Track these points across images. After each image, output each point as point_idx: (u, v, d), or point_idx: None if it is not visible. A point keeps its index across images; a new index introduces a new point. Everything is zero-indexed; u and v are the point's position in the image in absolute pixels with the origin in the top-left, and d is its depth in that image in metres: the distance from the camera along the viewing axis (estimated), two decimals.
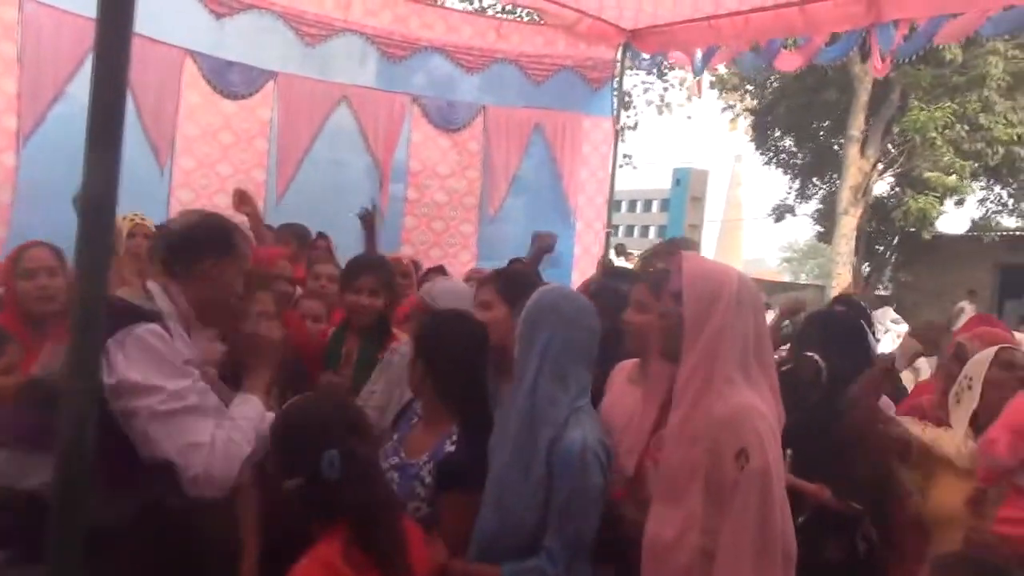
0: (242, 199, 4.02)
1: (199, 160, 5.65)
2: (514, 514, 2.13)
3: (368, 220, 4.56)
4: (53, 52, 4.99)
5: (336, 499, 1.77)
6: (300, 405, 1.99)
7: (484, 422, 2.34)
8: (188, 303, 2.11)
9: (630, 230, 42.48)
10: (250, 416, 2.05)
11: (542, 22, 7.21)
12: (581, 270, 6.92)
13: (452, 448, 2.33)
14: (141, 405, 1.84)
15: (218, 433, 1.92)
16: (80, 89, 5.08)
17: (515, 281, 2.78)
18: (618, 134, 7.34)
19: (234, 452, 1.93)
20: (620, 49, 7.03)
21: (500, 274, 2.96)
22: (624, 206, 41.94)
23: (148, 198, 5.28)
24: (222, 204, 5.32)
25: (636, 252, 8.88)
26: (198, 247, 2.14)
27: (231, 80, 5.80)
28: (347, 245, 5.30)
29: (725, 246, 45.53)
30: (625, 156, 10.93)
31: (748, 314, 2.00)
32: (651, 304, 2.42)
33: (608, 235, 7.31)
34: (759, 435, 1.88)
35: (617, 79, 7.17)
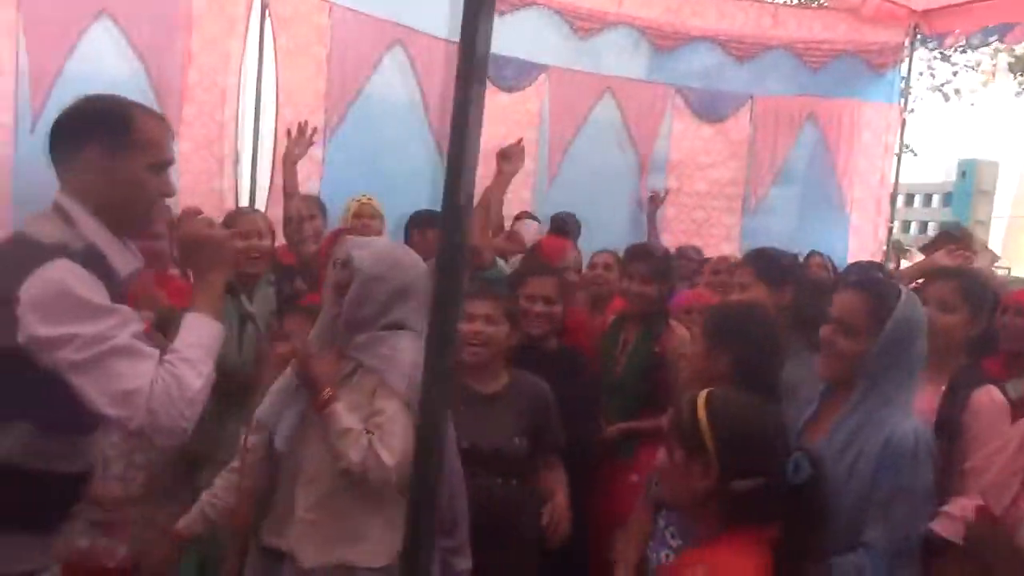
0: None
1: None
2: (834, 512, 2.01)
3: (653, 205, 4.67)
4: (355, 53, 5.55)
5: (784, 503, 1.62)
6: (743, 403, 1.77)
7: None
8: (90, 206, 1.74)
9: (906, 226, 39.23)
10: (200, 342, 1.72)
11: (820, 3, 6.88)
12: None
13: None
14: (59, 358, 1.56)
15: (160, 372, 1.62)
16: (376, 88, 5.64)
17: (773, 262, 2.77)
18: (904, 122, 6.87)
19: (184, 392, 1.62)
20: (909, 31, 6.57)
21: (758, 256, 2.92)
22: (900, 199, 38.83)
23: (429, 184, 5.75)
24: None
25: (914, 250, 8.21)
26: (77, 132, 1.75)
27: (505, 74, 6.12)
28: (608, 235, 5.46)
29: (1012, 245, 40.53)
30: (905, 145, 10.08)
31: None
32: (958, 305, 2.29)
33: (890, 230, 6.88)
34: None
35: (903, 63, 6.70)
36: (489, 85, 5.91)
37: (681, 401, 1.78)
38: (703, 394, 1.73)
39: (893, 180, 6.88)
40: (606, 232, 5.53)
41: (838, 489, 1.96)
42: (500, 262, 3.68)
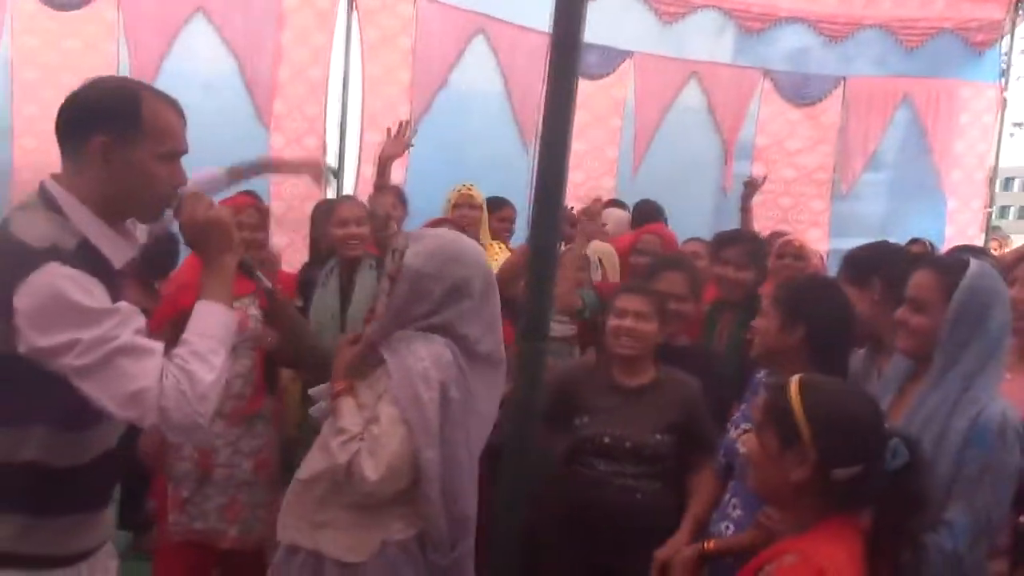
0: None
1: None
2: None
3: (750, 190, 4.60)
4: (439, 44, 5.60)
5: (882, 489, 1.58)
6: (839, 388, 1.74)
7: None
8: (89, 194, 1.65)
9: (1003, 211, 37.40)
10: (210, 332, 1.64)
11: None
12: None
13: None
14: (62, 365, 1.50)
15: (169, 368, 1.56)
16: (460, 78, 5.68)
17: (851, 264, 2.70)
18: (1005, 102, 6.55)
19: (196, 388, 1.56)
20: (1011, 7, 6.26)
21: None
22: (999, 184, 37.14)
23: (513, 172, 5.77)
24: (577, 180, 5.67)
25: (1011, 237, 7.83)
26: (84, 121, 1.64)
27: (589, 61, 5.99)
28: (692, 223, 5.38)
29: None
30: (1016, 124, 9.52)
31: None
32: None
33: (989, 215, 6.59)
34: None
35: (1004, 40, 6.40)
36: None
37: (772, 388, 1.73)
38: (795, 380, 1.66)
39: (992, 163, 6.59)
40: (690, 220, 5.45)
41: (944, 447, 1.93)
42: (588, 293, 3.56)
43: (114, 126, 1.62)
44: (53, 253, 1.53)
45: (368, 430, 2.00)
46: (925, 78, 6.47)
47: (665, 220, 4.97)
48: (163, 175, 1.69)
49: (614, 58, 6.19)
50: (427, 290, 2.05)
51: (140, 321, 1.58)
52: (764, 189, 6.49)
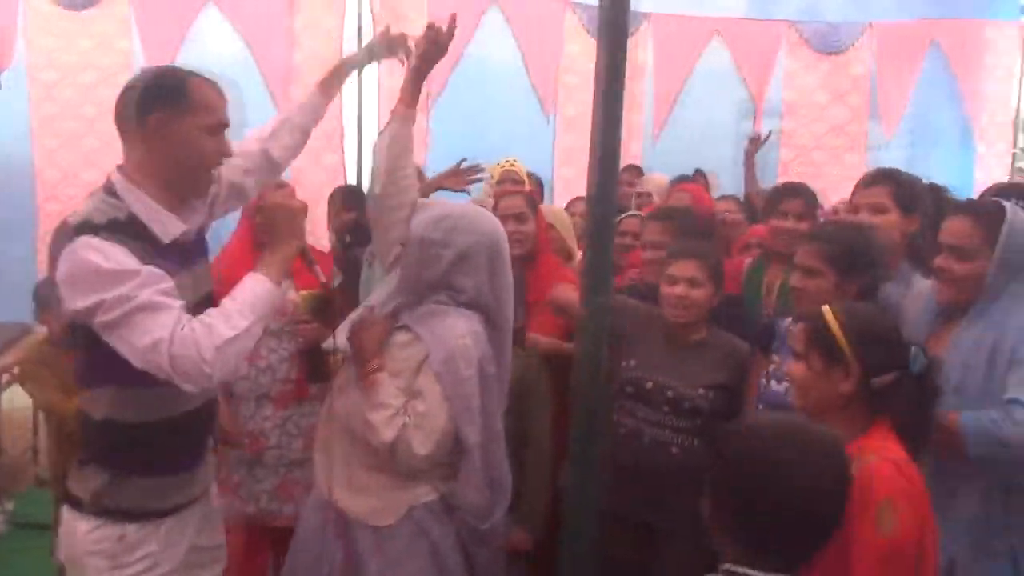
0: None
1: (580, 108, 5.87)
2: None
3: (753, 146, 4.50)
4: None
5: (910, 394, 1.78)
6: (865, 307, 1.96)
7: None
8: (150, 175, 1.82)
9: None
10: (245, 298, 1.77)
11: None
12: None
13: None
14: (96, 323, 1.69)
15: (185, 320, 1.70)
16: (476, 52, 5.60)
17: (908, 188, 2.61)
18: None
19: (212, 339, 1.68)
20: None
21: (893, 178, 2.72)
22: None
23: (536, 144, 5.71)
24: None
25: None
26: (140, 103, 1.81)
27: None
28: (724, 183, 5.28)
29: None
30: None
31: None
32: None
33: (1013, 157, 6.41)
34: None
35: None
36: (588, 37, 5.85)
37: (810, 316, 1.89)
38: (827, 309, 1.85)
39: (1015, 105, 6.40)
40: (724, 183, 5.34)
41: (978, 388, 2.08)
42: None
43: (166, 102, 1.80)
44: (85, 227, 1.73)
45: (412, 406, 2.03)
46: (950, 19, 6.27)
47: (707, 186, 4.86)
48: (211, 147, 1.86)
49: (632, 21, 6.04)
50: (434, 256, 2.08)
51: (165, 283, 1.73)
52: (796, 144, 6.40)
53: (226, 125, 1.89)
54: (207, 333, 1.68)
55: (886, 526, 1.53)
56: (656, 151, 5.93)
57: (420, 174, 4.13)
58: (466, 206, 2.22)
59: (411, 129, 2.21)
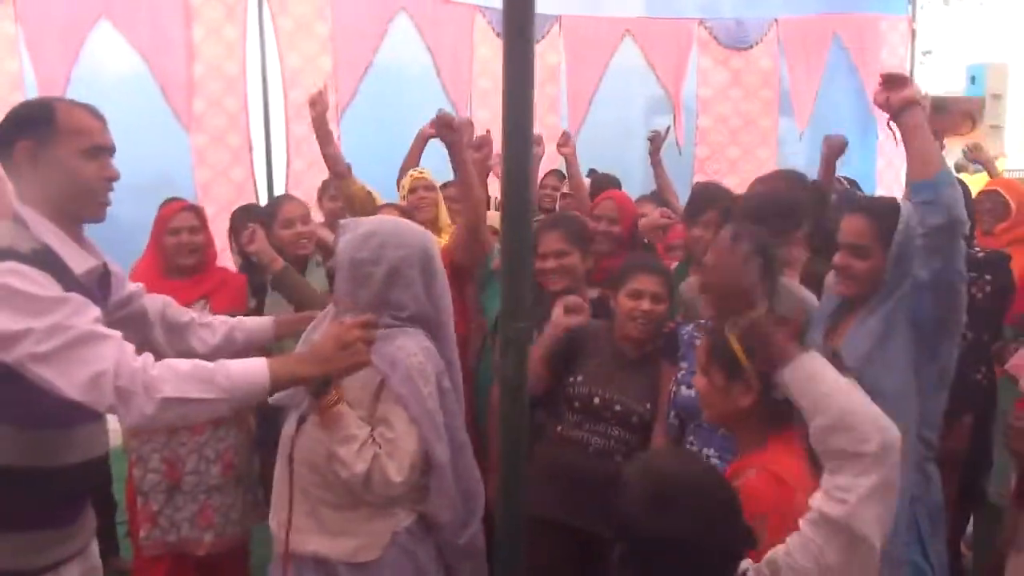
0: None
1: (494, 111, 5.88)
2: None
3: (655, 145, 4.48)
4: (359, 26, 5.39)
5: None
6: (763, 322, 1.91)
7: None
8: (37, 205, 1.76)
9: None
10: (233, 373, 1.71)
11: None
12: (885, 185, 6.43)
13: None
14: (20, 354, 1.59)
15: (130, 352, 1.64)
16: (385, 59, 5.48)
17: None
18: (914, 33, 6.68)
19: (157, 384, 1.62)
20: None
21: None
22: None
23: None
24: None
25: None
26: (3, 133, 1.77)
27: None
28: (645, 185, 5.26)
29: None
30: (925, 53, 9.84)
31: None
32: None
33: None
34: None
35: None
36: (498, 40, 5.78)
37: (710, 332, 1.93)
38: (727, 324, 1.87)
39: None
40: (642, 181, 5.34)
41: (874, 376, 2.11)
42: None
43: (32, 131, 1.75)
44: (8, 253, 1.65)
45: (380, 434, 2.00)
46: (848, 14, 6.50)
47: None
48: (91, 170, 1.79)
49: (542, 24, 6.02)
50: (367, 275, 2.04)
51: (95, 311, 1.67)
52: (711, 141, 6.47)
53: (105, 147, 1.82)
54: (163, 380, 1.63)
55: (759, 543, 1.50)
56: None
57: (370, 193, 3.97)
58: (390, 220, 2.21)
59: None
